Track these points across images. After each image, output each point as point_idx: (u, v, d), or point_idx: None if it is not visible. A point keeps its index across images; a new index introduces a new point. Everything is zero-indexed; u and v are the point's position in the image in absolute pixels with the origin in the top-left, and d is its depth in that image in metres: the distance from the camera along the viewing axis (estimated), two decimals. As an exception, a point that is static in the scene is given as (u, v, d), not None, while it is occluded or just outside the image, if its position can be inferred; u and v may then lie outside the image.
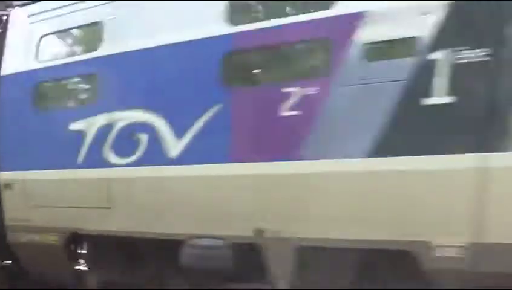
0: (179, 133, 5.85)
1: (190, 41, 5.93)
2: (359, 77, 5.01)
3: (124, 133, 6.22)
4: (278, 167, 5.38)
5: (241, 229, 5.56)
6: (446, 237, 4.65)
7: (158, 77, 6.19)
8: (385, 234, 4.91)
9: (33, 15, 7.37)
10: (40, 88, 7.21)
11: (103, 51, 6.60)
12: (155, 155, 6.02)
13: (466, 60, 4.55)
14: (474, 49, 4.53)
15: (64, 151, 6.72)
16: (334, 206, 5.11)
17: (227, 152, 5.66)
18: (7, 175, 7.28)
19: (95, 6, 6.69)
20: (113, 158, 6.28)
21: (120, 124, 6.23)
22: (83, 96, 7.41)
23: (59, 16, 7.08)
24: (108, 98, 6.45)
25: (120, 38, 6.48)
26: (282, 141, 5.41)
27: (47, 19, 7.24)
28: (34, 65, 7.17)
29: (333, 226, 5.12)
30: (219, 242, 5.71)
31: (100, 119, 6.35)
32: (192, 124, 5.76)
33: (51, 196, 6.88)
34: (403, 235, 4.82)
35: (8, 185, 7.28)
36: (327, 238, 5.14)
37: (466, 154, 4.52)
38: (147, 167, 6.09)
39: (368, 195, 4.97)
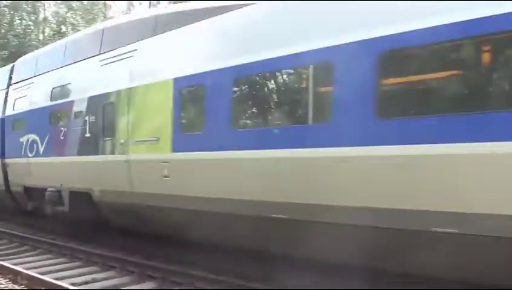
0: (42, 144, 13.30)
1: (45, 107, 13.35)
2: (67, 126, 12.13)
3: (33, 142, 13.79)
4: (61, 159, 12.35)
5: (57, 184, 12.58)
6: (97, 187, 11.21)
7: (38, 121, 13.54)
8: (85, 185, 11.54)
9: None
10: (14, 122, 15.13)
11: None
12: (37, 152, 13.45)
13: (92, 121, 11.32)
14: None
15: (18, 151, 14.50)
16: (74, 175, 11.89)
17: (52, 152, 12.76)
18: (7, 160, 15.11)
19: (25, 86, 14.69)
20: (29, 153, 13.99)
21: (30, 140, 13.90)
22: (22, 127, 14.53)
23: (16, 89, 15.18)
24: (28, 129, 14.13)
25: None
26: (61, 149, 12.37)
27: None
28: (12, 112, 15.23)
29: (74, 183, 11.98)
30: (54, 189, 12.88)
31: (25, 137, 14.06)
32: (44, 141, 13.17)
33: (18, 170, 14.66)
34: (89, 186, 11.38)
35: (9, 165, 15.01)
36: (72, 186, 11.94)
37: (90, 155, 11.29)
38: (37, 157, 13.52)
39: (83, 170, 11.61)
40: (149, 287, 8.07)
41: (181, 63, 8.99)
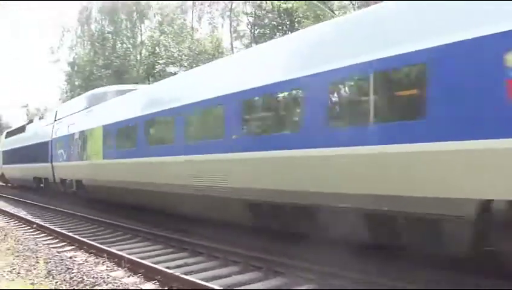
0: (65, 154, 19.78)
1: (65, 135, 20.25)
2: (73, 145, 19.25)
3: (67, 152, 19.63)
4: (71, 163, 19.20)
5: (71, 176, 19.37)
6: (84, 177, 17.97)
7: (63, 142, 20.42)
8: (80, 177, 18.33)
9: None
10: (55, 142, 21.52)
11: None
12: (63, 159, 20.15)
13: (80, 143, 18.45)
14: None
15: (60, 157, 20.70)
16: (76, 171, 18.67)
17: (68, 159, 19.50)
18: (53, 163, 21.37)
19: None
20: (60, 159, 20.44)
21: (60, 152, 20.34)
22: (58, 145, 20.95)
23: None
24: (60, 146, 20.66)
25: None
26: (71, 157, 19.09)
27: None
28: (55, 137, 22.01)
29: (76, 176, 18.77)
30: (70, 179, 19.58)
31: (59, 151, 20.80)
32: (66, 153, 19.82)
33: (58, 169, 20.81)
34: (82, 177, 18.17)
35: (54, 166, 21.25)
36: (76, 178, 18.75)
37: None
38: (63, 162, 20.27)
39: (79, 168, 18.37)
40: (232, 271, 8.18)
41: (105, 118, 15.98)
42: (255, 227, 9.50)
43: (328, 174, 7.19)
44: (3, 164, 32.92)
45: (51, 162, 21.29)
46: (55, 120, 22.14)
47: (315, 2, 28.15)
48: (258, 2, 38.27)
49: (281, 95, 8.39)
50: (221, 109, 9.60)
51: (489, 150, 5.27)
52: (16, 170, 28.43)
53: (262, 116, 8.98)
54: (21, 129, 29.59)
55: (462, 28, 5.69)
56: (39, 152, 23.08)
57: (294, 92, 8.01)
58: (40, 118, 27.43)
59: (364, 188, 6.65)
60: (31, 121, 29.48)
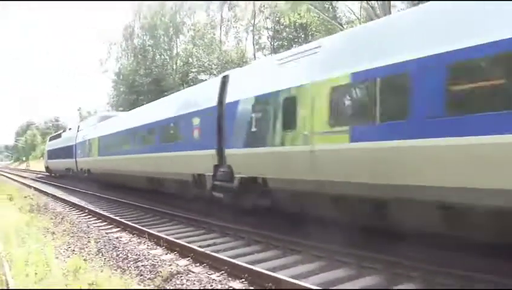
0: (82, 153, 25.31)
1: (82, 141, 26.08)
2: (84, 147, 25.30)
3: (83, 151, 25.01)
4: (83, 159, 25.22)
5: (85, 167, 24.85)
6: (91, 167, 24.23)
7: (80, 146, 26.20)
8: (88, 167, 24.64)
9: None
10: (78, 145, 27.29)
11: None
12: (80, 156, 25.78)
13: (88, 146, 24.08)
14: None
15: (79, 155, 26.13)
16: (86, 163, 24.60)
17: (81, 156, 25.58)
18: (77, 159, 27.00)
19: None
20: (80, 156, 25.76)
21: (80, 152, 25.82)
22: (79, 148, 26.83)
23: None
24: (78, 148, 26.46)
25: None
26: (82, 154, 25.47)
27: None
28: (77, 142, 27.70)
29: (86, 166, 24.82)
30: (84, 168, 25.33)
31: (78, 151, 26.50)
32: (81, 152, 25.66)
33: (79, 162, 26.20)
34: (89, 167, 24.34)
35: (77, 161, 26.92)
36: (87, 168, 24.68)
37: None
38: (80, 158, 26.15)
39: (87, 162, 24.64)
40: (255, 249, 8.21)
41: (100, 131, 21.86)
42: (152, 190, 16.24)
43: (167, 164, 13.55)
44: (48, 159, 41.03)
45: (75, 158, 27.27)
46: (78, 131, 28.51)
47: (326, 17, 27.99)
48: (277, 18, 38.23)
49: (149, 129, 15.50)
50: (137, 134, 16.78)
51: (208, 155, 10.94)
52: (56, 163, 36.25)
53: (145, 138, 16.00)
54: (58, 135, 37.86)
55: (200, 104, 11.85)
56: (68, 151, 29.62)
57: (151, 129, 15.26)
58: (69, 129, 34.99)
59: (182, 169, 12.39)
60: (64, 130, 37.88)
